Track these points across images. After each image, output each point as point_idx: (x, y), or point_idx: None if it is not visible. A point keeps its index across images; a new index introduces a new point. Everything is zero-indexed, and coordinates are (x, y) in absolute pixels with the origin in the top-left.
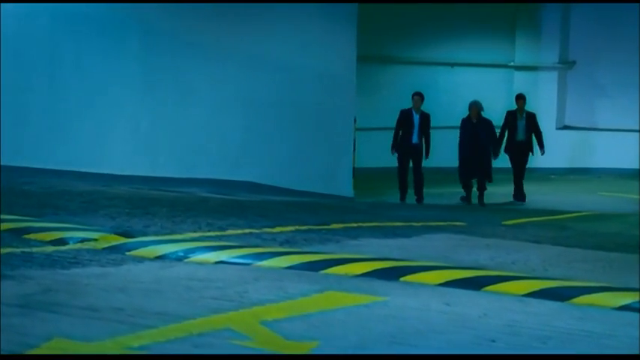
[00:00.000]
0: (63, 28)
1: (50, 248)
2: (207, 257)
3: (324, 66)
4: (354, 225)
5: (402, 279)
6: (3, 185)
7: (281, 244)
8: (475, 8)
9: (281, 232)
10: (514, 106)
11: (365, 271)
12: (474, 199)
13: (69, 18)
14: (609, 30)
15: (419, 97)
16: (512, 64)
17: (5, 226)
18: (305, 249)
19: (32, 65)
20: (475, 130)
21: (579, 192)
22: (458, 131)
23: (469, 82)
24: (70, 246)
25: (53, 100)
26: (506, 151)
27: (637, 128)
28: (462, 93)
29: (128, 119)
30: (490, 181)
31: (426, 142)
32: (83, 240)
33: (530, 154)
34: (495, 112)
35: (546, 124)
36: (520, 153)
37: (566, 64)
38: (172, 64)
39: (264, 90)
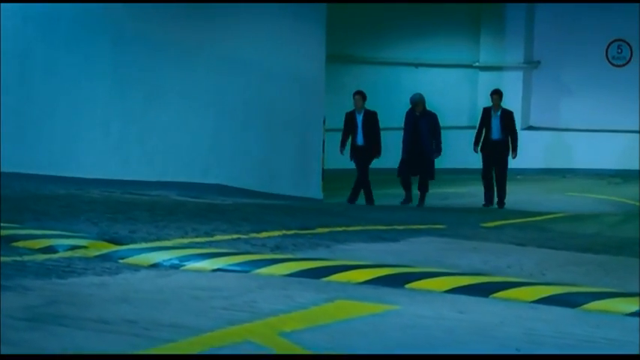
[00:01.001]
0: (34, 28)
1: (41, 256)
2: (204, 265)
3: (293, 67)
4: (339, 229)
5: (407, 286)
6: None
7: (272, 250)
8: (440, 8)
9: (269, 238)
10: (477, 107)
11: (368, 278)
12: (415, 201)
13: (40, 19)
14: (573, 29)
15: (359, 96)
16: (477, 64)
17: None
18: (298, 255)
19: (2, 65)
20: (418, 123)
21: (547, 192)
22: None
23: (433, 82)
24: (61, 254)
25: (23, 101)
26: (481, 150)
27: (601, 128)
28: (426, 93)
29: (98, 121)
30: (432, 178)
31: (374, 142)
32: (73, 247)
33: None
34: (460, 112)
35: None
36: (495, 153)
37: (531, 63)
38: (143, 66)
39: (234, 91)
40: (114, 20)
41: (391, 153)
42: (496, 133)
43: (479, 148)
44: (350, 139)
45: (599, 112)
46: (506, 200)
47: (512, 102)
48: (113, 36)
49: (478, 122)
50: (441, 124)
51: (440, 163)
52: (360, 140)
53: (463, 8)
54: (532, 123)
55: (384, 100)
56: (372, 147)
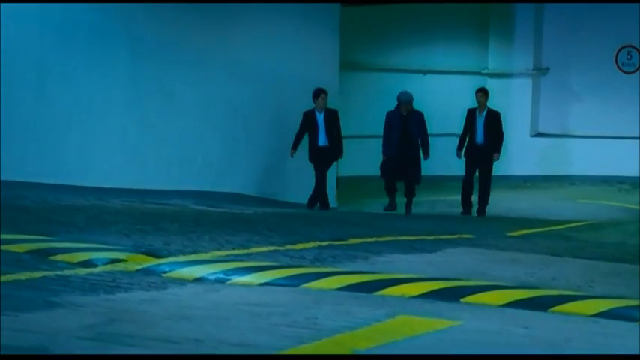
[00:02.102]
0: (52, 35)
1: (82, 270)
2: (250, 279)
3: (307, 74)
4: (371, 240)
5: (463, 300)
6: None
7: (312, 262)
8: (448, 15)
9: (305, 249)
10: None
11: (422, 292)
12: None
13: (58, 26)
14: (582, 36)
15: (325, 94)
16: (485, 70)
17: (24, 247)
18: (338, 267)
19: (19, 74)
20: (404, 123)
21: (559, 200)
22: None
23: (442, 89)
24: (102, 268)
25: (40, 110)
26: (465, 155)
27: (610, 135)
28: (434, 100)
29: (115, 130)
30: (417, 183)
31: (336, 142)
32: (112, 261)
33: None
34: None
35: (520, 131)
36: (480, 158)
37: (539, 70)
38: (159, 74)
39: (247, 98)
40: (132, 27)
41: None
42: (480, 136)
43: (462, 153)
44: (309, 140)
45: (608, 119)
46: (519, 207)
47: (520, 109)
48: (131, 43)
49: (462, 125)
50: (449, 131)
51: (447, 170)
52: (321, 141)
53: (471, 15)
54: (541, 130)
55: (391, 107)
56: (333, 148)
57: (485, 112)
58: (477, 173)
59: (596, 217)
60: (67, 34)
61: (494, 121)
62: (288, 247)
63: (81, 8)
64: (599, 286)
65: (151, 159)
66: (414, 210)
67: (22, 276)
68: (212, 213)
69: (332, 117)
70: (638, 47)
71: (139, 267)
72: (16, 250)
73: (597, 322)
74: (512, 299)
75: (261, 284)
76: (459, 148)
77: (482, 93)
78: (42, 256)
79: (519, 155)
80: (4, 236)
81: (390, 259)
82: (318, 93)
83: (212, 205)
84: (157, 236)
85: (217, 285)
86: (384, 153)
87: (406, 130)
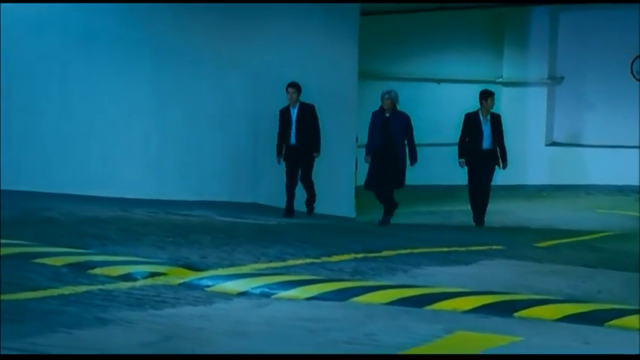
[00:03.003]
0: (74, 45)
1: (124, 285)
2: (295, 293)
3: (326, 83)
4: (404, 252)
5: (516, 315)
6: (20, 211)
7: (352, 276)
8: (462, 24)
9: (341, 262)
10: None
11: (474, 306)
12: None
13: (80, 33)
14: (597, 44)
15: (294, 88)
16: (500, 79)
17: (61, 260)
18: (381, 280)
19: (43, 83)
20: (387, 124)
21: (576, 210)
22: (444, 148)
23: (456, 98)
24: (143, 282)
25: (62, 119)
26: (468, 161)
27: (626, 144)
28: (448, 109)
29: (137, 139)
30: (401, 187)
31: (311, 140)
32: (152, 275)
33: (498, 167)
34: None
35: (535, 140)
36: (484, 165)
37: (554, 79)
38: (181, 82)
39: (267, 107)
40: (153, 36)
41: (416, 168)
42: (487, 141)
43: (464, 160)
44: (284, 139)
45: (624, 128)
46: (538, 217)
47: (535, 118)
48: (154, 51)
49: (461, 130)
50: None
51: (463, 180)
52: (293, 139)
53: (486, 24)
54: (555, 139)
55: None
56: (307, 147)
57: (489, 116)
58: None
59: (617, 228)
60: (89, 42)
61: (499, 124)
62: (324, 259)
63: (103, 16)
64: None
65: (171, 169)
66: (432, 219)
67: (66, 291)
68: (239, 224)
69: (307, 113)
70: None
71: (181, 281)
72: (54, 263)
73: None
74: (566, 314)
75: (308, 299)
76: (461, 155)
77: (492, 98)
78: (81, 270)
79: (534, 164)
80: (39, 249)
81: (429, 271)
82: (286, 87)
83: (236, 215)
84: (192, 249)
85: (263, 299)
86: (367, 152)
87: (387, 131)
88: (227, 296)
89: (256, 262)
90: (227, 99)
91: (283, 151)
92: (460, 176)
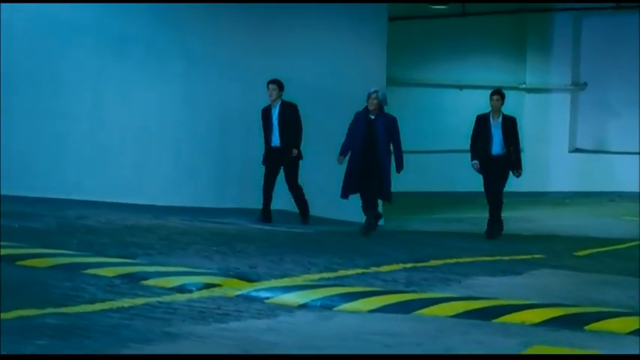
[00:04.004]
0: (108, 50)
1: (181, 297)
2: (357, 306)
3: (354, 90)
4: (451, 261)
5: (587, 328)
6: (58, 220)
7: (407, 286)
8: (485, 29)
9: (391, 272)
10: (523, 129)
11: (542, 319)
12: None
13: (114, 40)
14: (620, 50)
15: (275, 85)
16: (523, 86)
17: (111, 271)
18: (437, 292)
19: (76, 89)
20: (372, 127)
21: (602, 217)
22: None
23: (478, 104)
24: (199, 293)
25: (95, 126)
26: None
27: None
28: (470, 116)
29: (170, 146)
30: (387, 199)
31: (293, 141)
32: (207, 286)
33: (512, 173)
34: None
35: (559, 147)
36: (494, 172)
37: (577, 85)
38: (212, 89)
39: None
40: (186, 43)
41: (438, 174)
42: (497, 146)
43: (477, 163)
44: (264, 140)
45: None
46: (565, 224)
47: (559, 124)
48: (186, 58)
49: (472, 132)
50: None
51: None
52: (275, 140)
53: (508, 29)
54: (579, 145)
55: (428, 122)
56: (289, 149)
57: (500, 119)
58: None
59: None
60: (123, 48)
61: (512, 128)
62: (374, 269)
63: (136, 23)
64: None
65: (203, 176)
66: (459, 227)
67: (124, 303)
68: (277, 233)
69: (289, 112)
70: None
71: (238, 292)
72: (105, 274)
73: None
74: (636, 327)
75: (371, 311)
76: (473, 158)
77: (499, 96)
78: (134, 281)
79: (557, 171)
80: (87, 259)
81: (482, 282)
82: (267, 84)
83: (269, 223)
84: (239, 258)
85: (325, 312)
86: (341, 152)
87: (371, 134)
88: (288, 309)
89: (308, 273)
90: (258, 106)
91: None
92: (481, 183)
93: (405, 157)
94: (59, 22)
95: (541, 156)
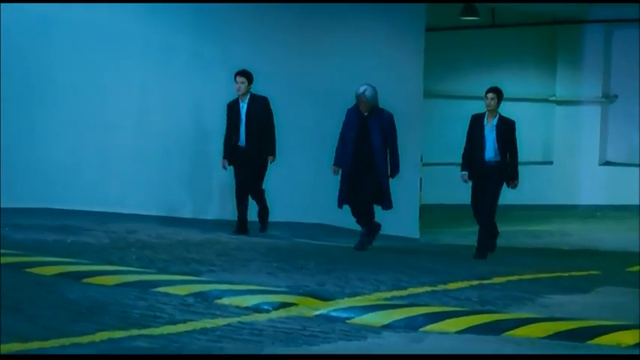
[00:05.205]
0: (152, 60)
1: (260, 317)
2: (443, 327)
3: (392, 101)
4: (513, 278)
5: None
6: (108, 234)
7: (482, 305)
8: (514, 40)
9: (460, 289)
10: (553, 142)
11: (636, 341)
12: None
13: (158, 51)
14: None
15: (243, 77)
16: (553, 98)
17: (182, 289)
18: (514, 311)
19: (120, 101)
20: (365, 126)
21: (636, 231)
22: None
23: (508, 116)
24: (276, 313)
25: (139, 138)
26: (469, 175)
27: None
28: None
29: (215, 158)
30: (387, 206)
31: (265, 141)
32: (283, 305)
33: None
34: (534, 148)
35: (589, 159)
36: (486, 184)
37: (608, 98)
38: None
39: (333, 126)
40: (228, 54)
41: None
42: (490, 151)
43: (467, 174)
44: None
45: None
46: (598, 239)
47: (589, 137)
48: (228, 70)
49: (466, 134)
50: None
51: (516, 199)
52: (241, 139)
53: (538, 41)
54: (609, 158)
55: (455, 134)
56: (258, 149)
57: (495, 121)
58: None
59: None
60: (167, 58)
61: (508, 132)
62: (442, 287)
63: (180, 33)
64: None
65: None
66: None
67: (207, 324)
68: (331, 248)
69: (259, 107)
70: None
71: (317, 312)
72: (177, 292)
73: None
74: None
75: (459, 332)
76: (463, 168)
77: (495, 94)
78: (208, 300)
79: (588, 184)
80: (153, 277)
81: (556, 301)
82: (234, 76)
83: (311, 237)
84: (303, 275)
85: (412, 333)
86: (335, 162)
87: (364, 135)
88: (373, 329)
89: (378, 291)
90: (298, 118)
91: (230, 152)
92: (518, 196)
93: (435, 168)
94: (104, 32)
95: (571, 168)
